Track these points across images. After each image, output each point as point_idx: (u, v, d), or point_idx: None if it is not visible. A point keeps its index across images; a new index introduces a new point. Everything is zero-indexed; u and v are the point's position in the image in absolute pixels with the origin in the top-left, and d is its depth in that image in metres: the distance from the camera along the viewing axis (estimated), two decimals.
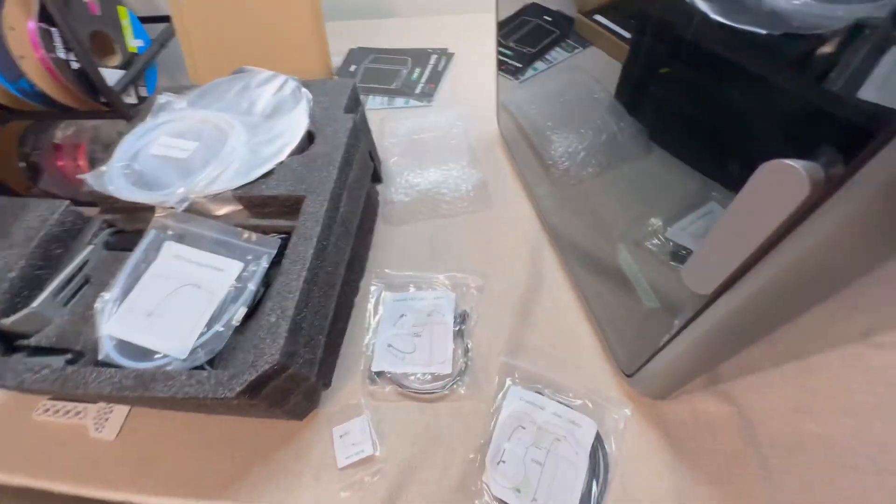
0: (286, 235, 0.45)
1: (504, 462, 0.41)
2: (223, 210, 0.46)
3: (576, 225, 0.52)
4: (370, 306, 0.53)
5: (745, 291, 0.25)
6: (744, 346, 0.34)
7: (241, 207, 0.47)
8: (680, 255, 0.42)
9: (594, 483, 0.40)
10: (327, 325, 0.44)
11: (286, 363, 0.35)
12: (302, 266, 0.39)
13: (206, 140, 0.49)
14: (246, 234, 0.45)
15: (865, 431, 0.41)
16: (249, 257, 0.45)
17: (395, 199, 0.62)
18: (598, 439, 0.42)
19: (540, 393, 0.45)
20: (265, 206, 0.46)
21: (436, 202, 0.61)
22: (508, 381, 0.46)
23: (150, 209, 0.46)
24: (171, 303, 0.41)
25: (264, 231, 0.46)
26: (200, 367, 0.39)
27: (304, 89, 0.53)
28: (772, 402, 0.43)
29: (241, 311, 0.42)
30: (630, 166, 0.45)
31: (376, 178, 0.63)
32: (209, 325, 0.40)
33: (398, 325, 0.51)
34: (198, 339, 0.40)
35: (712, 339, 0.32)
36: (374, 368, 0.48)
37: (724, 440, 0.42)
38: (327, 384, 0.48)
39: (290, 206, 0.45)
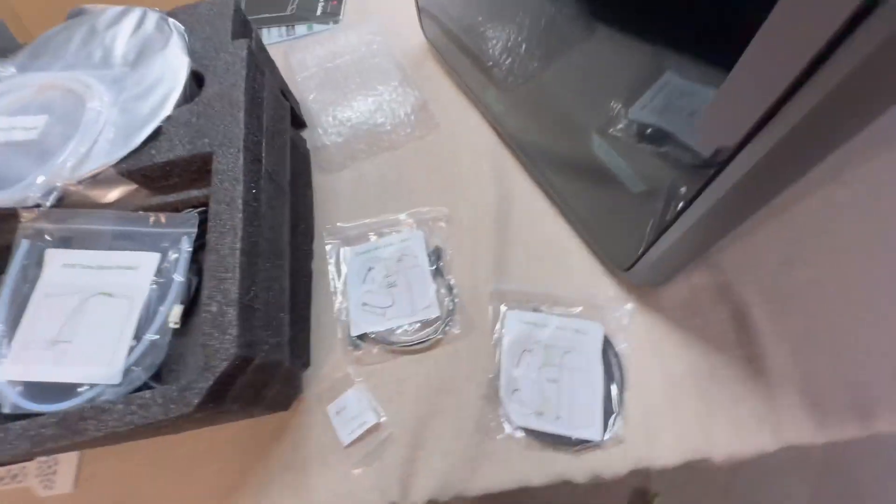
0: (204, 207, 0.37)
1: (519, 390, 0.39)
2: (112, 194, 0.36)
3: (536, 127, 0.47)
4: (331, 268, 0.47)
5: (773, 137, 0.21)
6: (752, 212, 0.31)
7: (135, 186, 0.37)
8: (648, 135, 0.38)
9: (612, 385, 0.38)
10: (286, 299, 0.37)
11: (247, 354, 0.29)
12: (234, 236, 0.31)
13: (57, 110, 0.37)
14: (153, 218, 0.36)
15: (853, 266, 0.41)
16: (165, 244, 0.36)
17: (326, 143, 0.53)
18: (607, 342, 0.40)
19: (538, 311, 0.42)
20: (166, 177, 0.36)
21: (374, 136, 0.52)
22: (503, 308, 0.42)
23: (11, 214, 0.35)
24: (78, 322, 0.33)
25: (175, 208, 0.37)
26: (145, 387, 0.32)
27: (171, 20, 0.41)
28: (762, 261, 0.42)
29: (177, 310, 0.34)
30: (576, 52, 0.40)
31: (298, 122, 0.54)
32: (138, 336, 0.33)
33: (368, 280, 0.45)
34: (128, 355, 0.32)
35: (721, 210, 0.29)
36: (354, 333, 0.43)
37: (724, 308, 0.41)
38: (306, 363, 0.42)
39: (198, 170, 0.36)
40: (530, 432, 0.38)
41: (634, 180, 0.37)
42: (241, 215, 0.32)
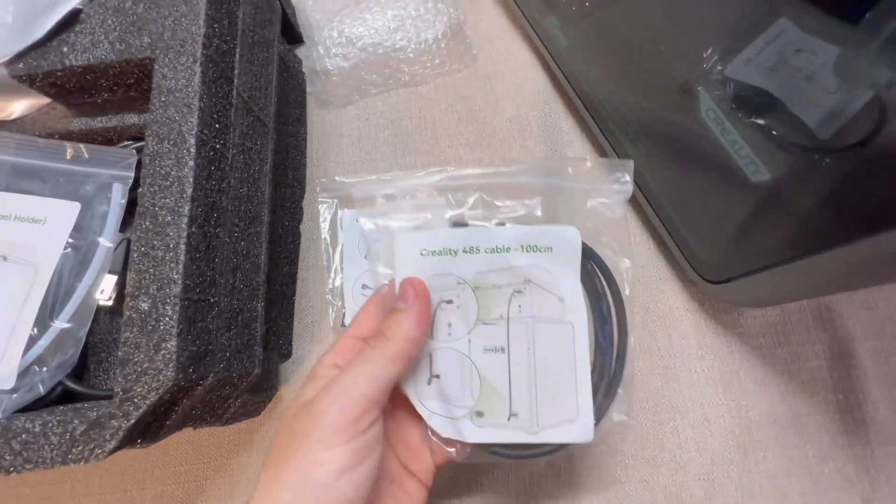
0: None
1: (438, 377, 0.23)
2: (10, 108, 0.25)
3: (610, 75, 0.35)
4: (324, 234, 0.36)
5: None
6: None
7: (45, 101, 0.25)
8: (746, 99, 0.28)
9: (605, 328, 0.24)
10: (261, 280, 0.27)
11: (194, 376, 0.20)
12: (179, 194, 0.20)
13: None
14: (71, 150, 0.25)
15: None
16: (88, 190, 0.25)
17: (328, 67, 0.40)
18: (589, 253, 0.24)
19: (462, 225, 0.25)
20: (88, 89, 0.25)
21: (391, 64, 0.40)
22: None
23: None
24: None
25: (107, 139, 0.26)
26: (56, 397, 0.23)
27: None
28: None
29: (108, 280, 0.24)
30: None
31: (291, 35, 0.41)
32: (42, 321, 0.23)
33: (371, 255, 0.35)
34: (27, 349, 0.22)
35: None
36: (351, 322, 0.33)
37: (822, 339, 0.32)
38: (286, 354, 0.33)
39: (138, 84, 0.24)
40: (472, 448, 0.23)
41: (755, 163, 0.27)
42: (192, 162, 0.21)
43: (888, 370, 0.31)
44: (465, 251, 0.23)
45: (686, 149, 0.31)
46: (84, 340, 0.23)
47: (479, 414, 0.22)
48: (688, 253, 0.32)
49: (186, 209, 0.20)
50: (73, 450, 0.18)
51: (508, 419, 0.22)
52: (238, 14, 0.26)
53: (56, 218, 0.24)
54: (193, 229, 0.20)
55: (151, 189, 0.20)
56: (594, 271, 0.24)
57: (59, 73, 0.23)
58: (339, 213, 0.36)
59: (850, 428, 0.30)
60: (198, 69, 0.22)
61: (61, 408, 0.19)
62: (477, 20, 0.42)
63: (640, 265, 0.34)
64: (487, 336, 0.23)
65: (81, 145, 0.25)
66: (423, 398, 0.23)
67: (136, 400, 0.18)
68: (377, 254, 0.27)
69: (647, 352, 0.32)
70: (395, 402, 0.23)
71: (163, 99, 0.22)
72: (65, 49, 0.23)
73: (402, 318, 0.21)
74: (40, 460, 0.18)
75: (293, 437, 0.18)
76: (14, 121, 0.26)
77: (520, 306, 0.23)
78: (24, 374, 0.22)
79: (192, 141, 0.21)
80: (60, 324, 0.23)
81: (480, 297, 0.23)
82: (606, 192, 0.25)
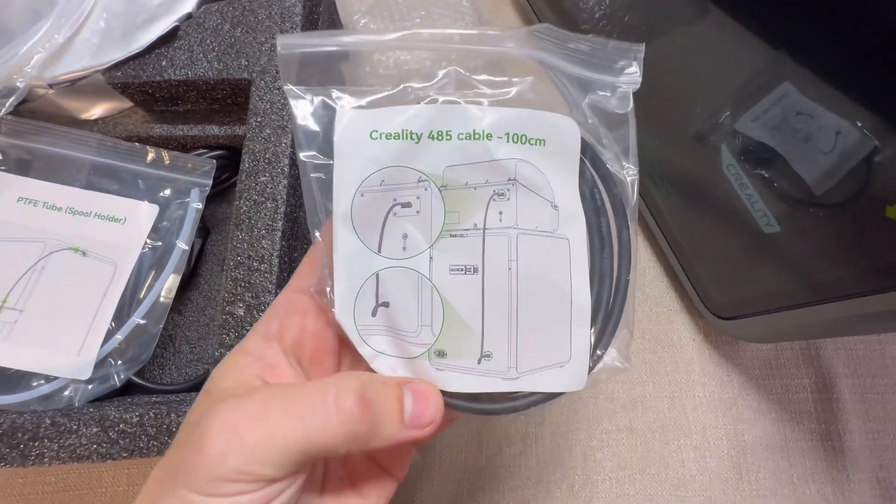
0: (224, 151, 0.27)
1: (387, 305, 0.17)
2: (96, 110, 0.26)
3: (637, 114, 0.39)
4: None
5: None
6: None
7: (129, 105, 0.27)
8: (753, 152, 0.32)
9: (603, 251, 0.18)
10: None
11: None
12: (274, 210, 0.22)
13: None
14: (152, 154, 0.26)
15: None
16: (166, 194, 0.26)
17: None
18: (589, 154, 0.19)
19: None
20: (176, 99, 0.26)
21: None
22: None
23: None
24: (35, 285, 0.24)
25: (183, 146, 0.28)
26: (123, 389, 0.24)
27: None
28: None
29: (172, 280, 0.26)
30: (686, 32, 0.33)
31: None
32: (119, 316, 0.24)
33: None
34: (105, 342, 0.23)
35: None
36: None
37: (808, 373, 0.36)
38: None
39: (224, 98, 0.26)
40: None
41: (767, 216, 0.31)
42: (285, 181, 0.23)
43: (863, 405, 0.35)
44: (431, 137, 0.16)
45: (705, 196, 0.34)
46: (157, 338, 0.24)
47: (441, 354, 0.16)
48: (699, 288, 0.35)
49: (280, 224, 0.22)
50: (170, 441, 0.19)
51: (479, 361, 0.17)
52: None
53: (135, 218, 0.25)
54: (284, 242, 0.22)
55: (248, 203, 0.22)
56: (592, 179, 0.18)
57: (154, 84, 0.25)
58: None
59: (830, 455, 0.34)
60: None
61: (150, 399, 0.21)
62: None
63: (653, 297, 0.38)
64: (455, 251, 0.17)
65: (163, 150, 0.26)
66: (366, 333, 0.16)
67: None
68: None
69: (656, 376, 0.36)
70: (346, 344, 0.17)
71: (259, 119, 0.24)
72: (164, 63, 0.25)
73: (399, 424, 0.14)
74: (137, 450, 0.19)
75: (180, 461, 0.13)
76: (94, 121, 0.27)
77: (500, 213, 0.17)
78: (100, 365, 0.23)
79: (286, 161, 0.23)
80: (136, 319, 0.24)
81: (448, 200, 0.17)
82: (611, 84, 0.19)
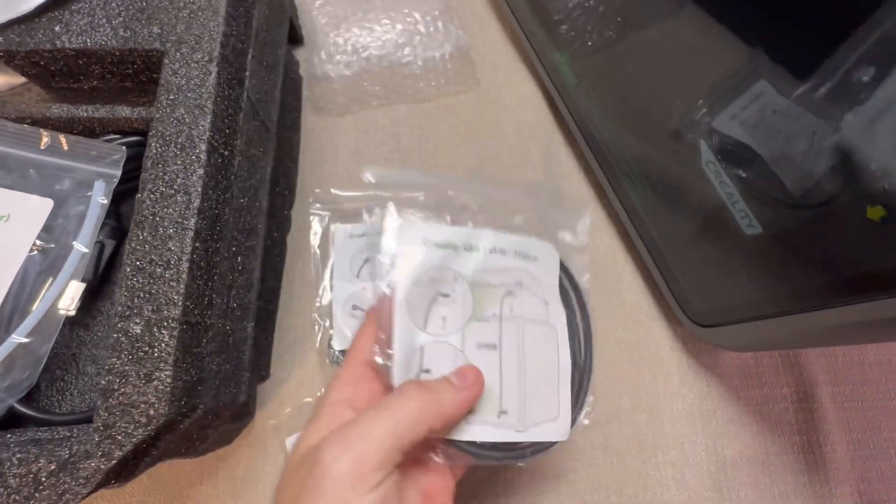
0: (140, 137, 0.23)
1: (428, 372, 0.21)
2: None
3: (611, 114, 0.36)
4: (315, 248, 0.34)
5: None
6: None
7: (22, 80, 0.22)
8: (731, 151, 0.30)
9: (573, 338, 0.25)
10: (254, 296, 0.25)
11: (186, 409, 0.18)
12: (185, 205, 0.18)
13: None
14: (47, 138, 0.22)
15: None
16: (64, 186, 0.22)
17: (329, 74, 0.39)
18: (564, 268, 0.26)
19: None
20: (77, 74, 0.22)
21: (396, 78, 0.39)
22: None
23: None
24: None
25: (90, 129, 0.23)
26: (5, 420, 0.19)
27: None
28: None
29: (75, 288, 0.21)
30: (662, 26, 0.31)
31: (293, 35, 0.39)
32: None
33: (363, 273, 0.34)
34: None
35: None
36: (339, 346, 0.32)
37: (789, 382, 0.35)
38: (264, 376, 0.31)
39: (135, 73, 0.22)
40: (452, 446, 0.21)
41: (749, 216, 0.29)
42: (201, 170, 0.19)
43: (844, 414, 0.34)
44: (465, 248, 0.24)
45: (684, 195, 0.32)
46: (45, 359, 0.20)
47: (470, 410, 0.21)
48: (678, 294, 0.33)
49: (192, 222, 0.18)
50: (38, 494, 0.15)
51: (498, 416, 0.22)
52: (254, 13, 0.24)
53: (22, 215, 0.21)
54: (198, 244, 0.18)
55: (153, 196, 0.18)
56: (566, 286, 0.26)
57: (45, 54, 0.20)
58: (333, 226, 0.35)
59: (812, 468, 0.33)
60: (214, 69, 0.20)
61: (18, 437, 0.17)
62: (482, 45, 0.42)
63: (630, 302, 0.35)
64: (480, 332, 0.23)
65: (60, 135, 0.22)
66: None
67: (119, 437, 0.16)
68: (380, 263, 0.23)
69: (633, 389, 0.33)
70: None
71: (171, 97, 0.20)
72: (57, 28, 0.20)
73: (455, 389, 0.20)
74: None
75: (301, 487, 0.16)
76: None
77: (511, 306, 0.24)
78: None
79: (203, 147, 0.19)
80: (18, 338, 0.20)
81: (475, 294, 0.23)
82: (573, 227, 0.28)
